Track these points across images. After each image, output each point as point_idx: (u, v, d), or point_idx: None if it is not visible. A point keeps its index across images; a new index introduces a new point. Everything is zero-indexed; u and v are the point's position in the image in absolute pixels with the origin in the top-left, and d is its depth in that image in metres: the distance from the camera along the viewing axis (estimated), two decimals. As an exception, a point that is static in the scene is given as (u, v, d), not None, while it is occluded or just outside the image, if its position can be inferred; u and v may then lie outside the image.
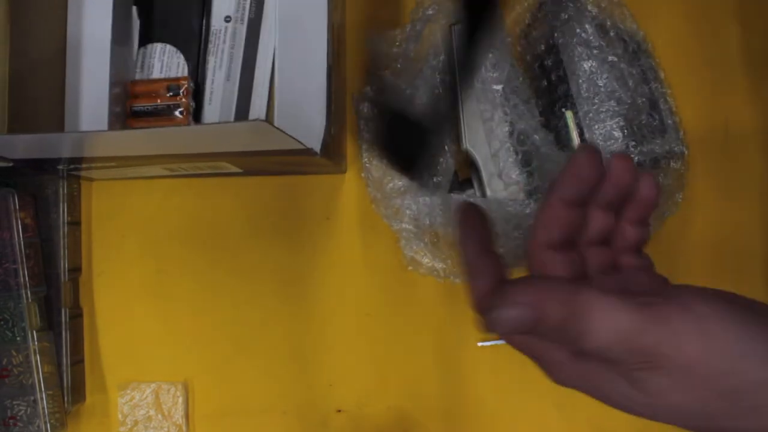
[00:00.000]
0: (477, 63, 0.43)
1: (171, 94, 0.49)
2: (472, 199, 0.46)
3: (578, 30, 0.46)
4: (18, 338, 0.48)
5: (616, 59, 0.46)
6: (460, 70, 0.43)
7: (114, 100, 0.48)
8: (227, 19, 0.50)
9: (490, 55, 0.46)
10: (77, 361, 0.51)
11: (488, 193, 0.46)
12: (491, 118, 0.46)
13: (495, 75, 0.46)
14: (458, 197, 0.46)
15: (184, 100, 0.49)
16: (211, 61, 0.50)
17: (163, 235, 0.52)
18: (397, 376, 0.50)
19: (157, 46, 0.50)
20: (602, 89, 0.45)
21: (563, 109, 0.46)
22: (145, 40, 0.51)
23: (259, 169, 0.50)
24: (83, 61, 0.48)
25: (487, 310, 0.26)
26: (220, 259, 0.52)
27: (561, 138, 0.46)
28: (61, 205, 0.50)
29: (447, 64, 0.46)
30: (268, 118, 0.49)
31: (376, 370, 0.50)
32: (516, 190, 0.45)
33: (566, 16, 0.46)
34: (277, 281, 0.51)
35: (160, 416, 0.51)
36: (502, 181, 0.46)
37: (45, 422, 0.48)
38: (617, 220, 0.31)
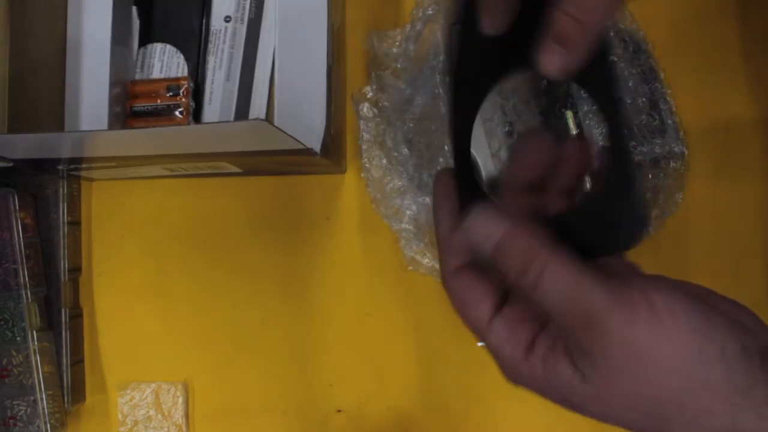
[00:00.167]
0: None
1: (171, 94, 0.49)
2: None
3: (578, 30, 0.46)
4: (18, 338, 0.48)
5: (615, 59, 0.46)
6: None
7: (114, 100, 0.48)
8: (227, 19, 0.50)
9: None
10: (77, 361, 0.51)
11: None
12: (491, 118, 0.46)
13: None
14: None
15: (184, 100, 0.49)
16: (211, 61, 0.50)
17: (163, 235, 0.52)
18: (397, 376, 0.50)
19: (157, 46, 0.50)
20: (602, 89, 0.45)
21: (563, 109, 0.46)
22: (145, 40, 0.51)
23: (259, 169, 0.50)
24: (83, 61, 0.48)
25: (465, 216, 0.28)
26: (220, 259, 0.52)
27: (561, 138, 0.46)
28: (61, 205, 0.50)
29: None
30: (268, 118, 0.49)
31: (376, 370, 0.50)
32: (516, 190, 0.45)
33: (566, 16, 0.46)
34: (277, 281, 0.51)
35: (160, 416, 0.51)
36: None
37: (45, 422, 0.48)
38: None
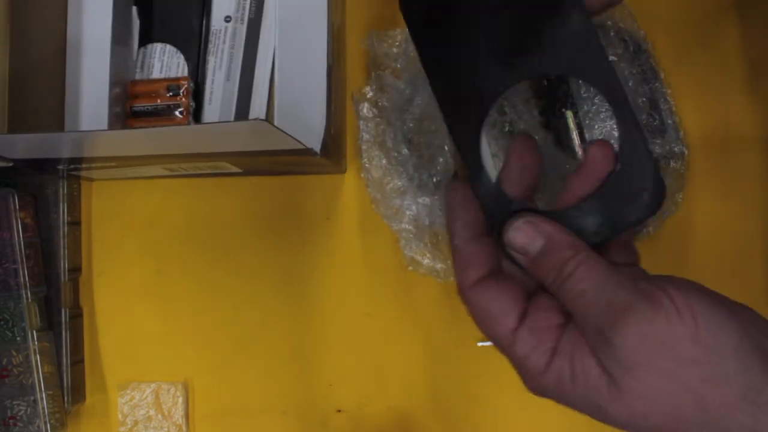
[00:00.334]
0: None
1: (171, 94, 0.49)
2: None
3: (578, 30, 0.46)
4: (18, 338, 0.48)
5: (616, 59, 0.46)
6: None
7: (114, 100, 0.48)
8: (227, 19, 0.50)
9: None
10: (77, 361, 0.51)
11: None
12: (490, 118, 0.46)
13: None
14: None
15: (184, 100, 0.49)
16: (211, 61, 0.50)
17: (163, 235, 0.52)
18: (398, 376, 0.50)
19: (157, 46, 0.50)
20: (602, 89, 0.45)
21: (563, 109, 0.46)
22: (145, 40, 0.51)
23: (259, 169, 0.50)
24: (83, 61, 0.48)
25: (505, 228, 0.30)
26: (220, 259, 0.52)
27: (561, 138, 0.46)
28: (61, 205, 0.50)
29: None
30: (268, 118, 0.49)
31: (376, 370, 0.50)
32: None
33: (566, 16, 0.46)
34: (277, 281, 0.51)
35: (160, 416, 0.51)
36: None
37: (45, 422, 0.48)
38: None
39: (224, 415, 0.51)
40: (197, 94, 0.50)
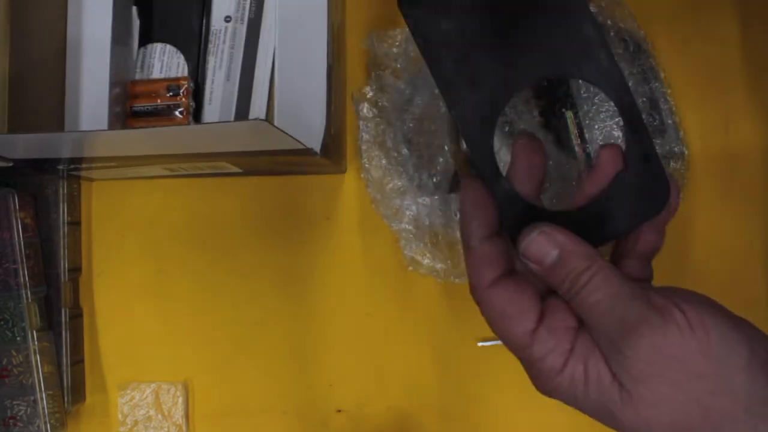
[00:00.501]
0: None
1: (171, 94, 0.49)
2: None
3: (578, 30, 0.46)
4: (18, 338, 0.48)
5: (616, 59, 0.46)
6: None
7: (114, 100, 0.48)
8: (227, 19, 0.50)
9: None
10: (77, 361, 0.51)
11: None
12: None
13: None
14: (458, 196, 0.46)
15: (184, 100, 0.49)
16: (211, 61, 0.50)
17: (163, 235, 0.52)
18: (397, 376, 0.50)
19: (157, 46, 0.50)
20: (602, 89, 0.45)
21: (563, 109, 0.46)
22: (145, 40, 0.51)
23: (259, 169, 0.50)
24: (83, 61, 0.48)
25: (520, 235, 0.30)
26: (220, 259, 0.52)
27: (561, 138, 0.46)
28: (61, 205, 0.50)
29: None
30: (268, 118, 0.49)
31: (376, 370, 0.50)
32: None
33: (566, 16, 0.46)
34: (277, 281, 0.51)
35: (160, 416, 0.51)
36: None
37: (45, 422, 0.48)
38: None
39: (224, 415, 0.51)
40: (197, 94, 0.50)
